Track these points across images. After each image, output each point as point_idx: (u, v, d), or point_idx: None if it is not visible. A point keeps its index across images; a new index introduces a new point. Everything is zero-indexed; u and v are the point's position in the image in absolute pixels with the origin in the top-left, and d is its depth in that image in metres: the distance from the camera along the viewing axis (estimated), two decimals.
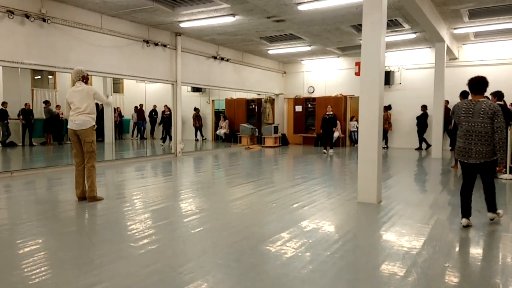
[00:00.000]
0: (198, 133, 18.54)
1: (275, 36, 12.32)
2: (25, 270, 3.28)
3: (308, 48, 13.98)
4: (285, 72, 18.02)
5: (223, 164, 11.26)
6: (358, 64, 6.65)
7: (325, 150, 13.16)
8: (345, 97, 16.38)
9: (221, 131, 17.91)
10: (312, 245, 3.90)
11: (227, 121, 17.94)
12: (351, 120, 16.13)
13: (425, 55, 14.55)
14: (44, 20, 8.42)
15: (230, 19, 10.02)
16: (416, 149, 14.79)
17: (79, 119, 5.67)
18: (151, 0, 8.77)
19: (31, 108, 14.70)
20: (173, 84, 12.18)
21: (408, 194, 6.77)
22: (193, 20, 10.27)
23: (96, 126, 5.82)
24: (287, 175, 9.25)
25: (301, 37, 12.41)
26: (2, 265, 3.42)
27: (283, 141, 17.00)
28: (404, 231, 4.44)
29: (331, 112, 13.17)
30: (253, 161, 11.63)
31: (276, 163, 11.37)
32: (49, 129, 15.26)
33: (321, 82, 17.17)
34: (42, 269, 3.32)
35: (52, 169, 8.96)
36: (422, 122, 14.44)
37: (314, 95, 17.17)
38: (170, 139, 15.51)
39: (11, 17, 7.89)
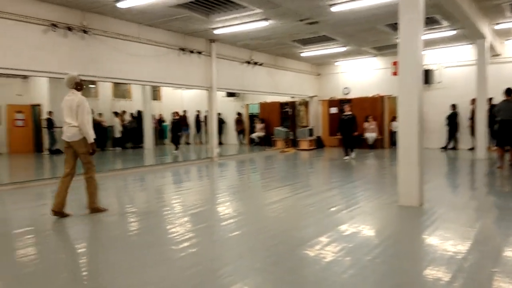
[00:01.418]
0: (241, 136, 18.75)
1: (308, 38, 12.26)
2: (74, 273, 3.43)
3: (342, 49, 13.82)
4: (319, 74, 17.88)
5: (259, 167, 11.30)
6: (395, 63, 6.48)
7: (346, 156, 11.93)
8: (382, 97, 16.03)
9: (257, 135, 17.97)
10: (352, 249, 3.84)
11: (263, 124, 18.00)
12: (392, 120, 15.69)
13: (466, 52, 13.99)
14: (85, 32, 8.81)
15: (263, 24, 10.08)
16: (441, 148, 14.47)
17: (69, 132, 5.32)
18: (186, 9, 8.98)
19: None
20: (208, 90, 12.39)
21: (451, 196, 6.52)
22: (227, 26, 10.41)
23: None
24: (323, 178, 9.16)
25: (335, 38, 12.29)
26: (53, 267, 3.59)
27: (319, 144, 16.84)
28: (448, 235, 4.28)
29: (350, 113, 11.87)
30: (288, 164, 11.60)
31: (312, 166, 11.28)
32: None
33: (357, 82, 16.89)
34: (88, 271, 3.46)
35: (96, 174, 9.28)
36: (452, 121, 14.24)
37: (349, 96, 16.90)
38: (177, 147, 15.06)
39: (54, 30, 8.31)
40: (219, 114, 18.91)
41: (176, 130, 15.18)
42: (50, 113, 14.69)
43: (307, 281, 3.14)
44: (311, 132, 16.29)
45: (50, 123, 14.64)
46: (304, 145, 15.96)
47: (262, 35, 11.64)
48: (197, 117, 19.76)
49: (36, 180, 8.30)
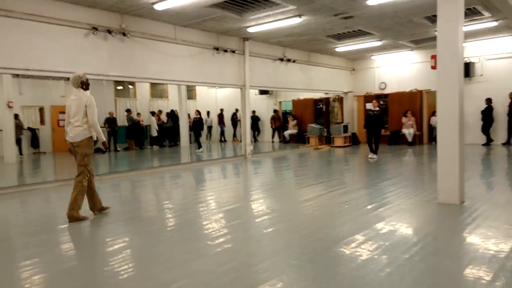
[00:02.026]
0: (276, 134, 18.76)
1: (343, 33, 12.08)
2: (115, 266, 3.57)
3: (378, 43, 13.52)
4: (354, 69, 17.58)
5: (292, 165, 11.28)
6: (434, 57, 6.29)
7: (371, 155, 11.11)
8: (421, 92, 15.56)
9: (289, 132, 17.90)
10: (389, 247, 3.78)
11: (295, 121, 17.92)
12: (432, 115, 15.20)
13: (509, 43, 13.34)
14: (124, 34, 9.10)
15: (296, 20, 10.02)
16: (483, 144, 13.81)
17: (73, 132, 5.11)
18: (220, 8, 9.08)
19: (114, 116, 15.93)
20: (241, 88, 12.48)
21: (494, 194, 6.26)
22: (260, 24, 10.44)
23: (94, 138, 5.20)
24: (359, 176, 9.02)
25: (370, 33, 12.04)
26: (94, 261, 3.76)
27: (354, 141, 16.57)
28: (490, 233, 4.12)
29: (377, 108, 11.09)
30: (322, 162, 11.50)
31: (347, 163, 11.13)
32: (131, 135, 16.45)
33: (394, 77, 16.47)
34: (130, 265, 3.60)
35: (135, 172, 9.64)
36: (487, 116, 13.71)
37: (386, 92, 16.53)
38: (199, 145, 14.73)
39: (95, 33, 8.63)
40: (253, 112, 19.02)
41: (197, 129, 14.80)
42: None
43: (343, 279, 3.13)
44: (345, 129, 16.04)
45: None
46: (338, 142, 15.76)
47: (295, 32, 11.58)
48: (234, 115, 19.93)
49: None
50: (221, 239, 4.21)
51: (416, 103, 15.45)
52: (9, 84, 12.09)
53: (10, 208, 6.35)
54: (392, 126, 15.83)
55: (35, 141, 15.61)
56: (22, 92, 14.15)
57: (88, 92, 5.23)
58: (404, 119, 15.12)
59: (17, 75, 13.04)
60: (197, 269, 3.41)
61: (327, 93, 17.10)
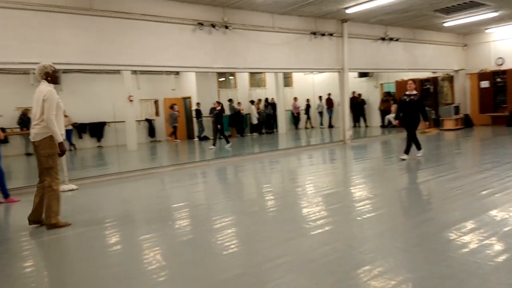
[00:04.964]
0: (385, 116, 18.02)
1: (452, 6, 11.05)
2: (224, 241, 3.87)
3: (494, 14, 12.08)
4: (465, 45, 15.98)
5: (396, 150, 10.76)
6: None
7: (405, 156, 8.16)
8: None
9: (392, 116, 17.00)
10: (506, 234, 3.48)
11: (396, 104, 16.94)
12: None
13: None
14: (226, 27, 9.55)
15: None
16: None
17: (33, 131, 4.50)
18: None
19: None
20: (340, 72, 12.22)
21: None
22: (360, 4, 10.08)
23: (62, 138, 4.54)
24: (472, 160, 8.29)
25: (484, 3, 10.81)
26: (203, 238, 4.09)
27: (467, 123, 15.16)
28: None
29: (414, 92, 8.08)
30: (430, 146, 10.77)
31: (459, 147, 10.28)
32: (233, 123, 17.30)
33: None
34: (236, 240, 3.88)
35: (238, 157, 10.16)
36: None
37: (504, 67, 14.75)
38: (227, 141, 12.81)
39: (201, 28, 9.21)
40: (359, 95, 18.42)
41: (217, 122, 12.68)
42: (198, 104, 16.42)
43: (454, 263, 2.99)
44: (457, 110, 14.75)
45: (199, 113, 16.38)
46: (449, 124, 14.57)
47: (398, 8, 10.93)
48: None
49: (190, 162, 9.50)
50: (322, 221, 4.28)
51: None
52: (128, 80, 13.53)
53: (134, 188, 7.21)
54: (511, 106, 14.15)
55: (151, 131, 17.33)
56: (140, 87, 15.74)
57: (51, 85, 4.56)
58: None
59: (135, 72, 14.56)
60: (300, 247, 3.54)
61: (435, 72, 15.86)
